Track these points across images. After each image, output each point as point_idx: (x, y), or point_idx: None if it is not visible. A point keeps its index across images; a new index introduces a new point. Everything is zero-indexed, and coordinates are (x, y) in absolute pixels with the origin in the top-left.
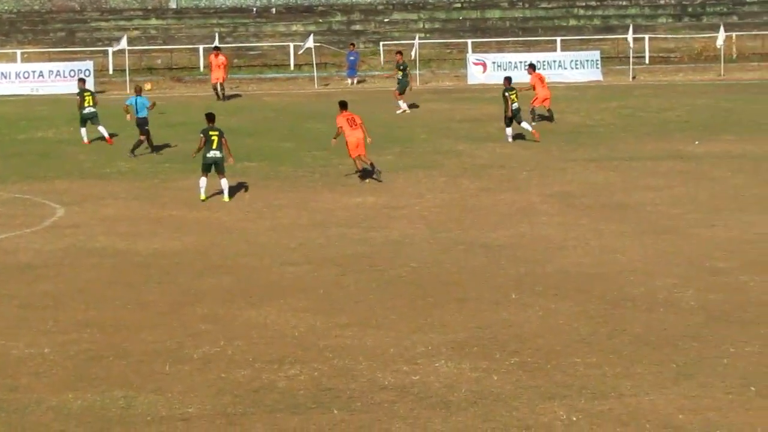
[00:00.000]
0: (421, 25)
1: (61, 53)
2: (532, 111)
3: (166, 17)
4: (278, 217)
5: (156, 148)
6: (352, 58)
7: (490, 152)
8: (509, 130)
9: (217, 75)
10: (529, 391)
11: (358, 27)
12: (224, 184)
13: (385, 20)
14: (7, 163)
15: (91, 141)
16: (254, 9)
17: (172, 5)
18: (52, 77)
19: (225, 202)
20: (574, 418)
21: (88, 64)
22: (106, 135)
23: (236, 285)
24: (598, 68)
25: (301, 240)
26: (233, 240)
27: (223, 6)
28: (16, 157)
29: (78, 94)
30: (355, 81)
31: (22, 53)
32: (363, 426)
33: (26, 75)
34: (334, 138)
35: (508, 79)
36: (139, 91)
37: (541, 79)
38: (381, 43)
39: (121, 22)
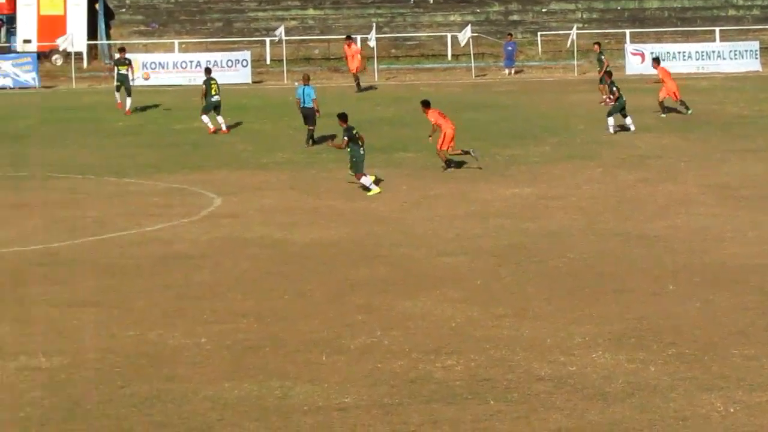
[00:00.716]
0: (579, 15)
1: (218, 43)
2: (662, 104)
3: (323, 7)
4: (434, 207)
5: (315, 140)
6: (509, 48)
7: (647, 143)
8: (611, 120)
9: (352, 65)
10: (686, 382)
11: (515, 17)
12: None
13: (543, 10)
14: (164, 153)
15: (216, 130)
16: None
17: None
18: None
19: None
20: (732, 410)
21: (246, 54)
22: (223, 127)
23: (392, 275)
24: (757, 59)
25: (458, 230)
26: (389, 230)
27: None
28: (172, 147)
29: (204, 82)
30: (513, 71)
31: (180, 43)
32: (519, 417)
33: (183, 65)
34: (430, 136)
35: (609, 74)
36: (306, 80)
37: (667, 72)
38: (539, 33)
39: (279, 12)
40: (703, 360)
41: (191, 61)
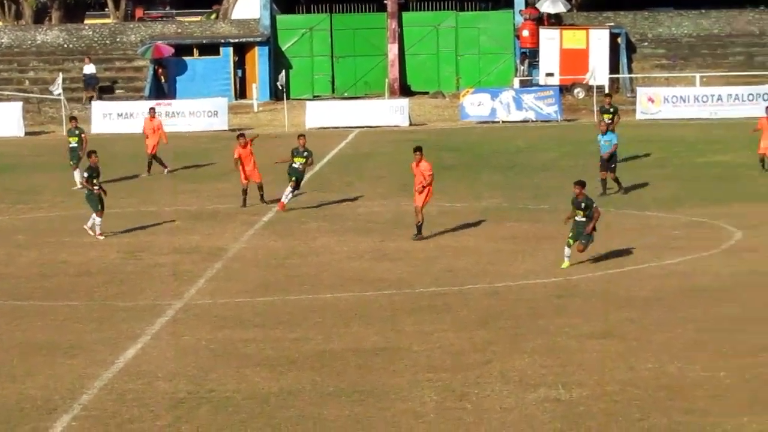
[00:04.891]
0: None
1: (739, 77)
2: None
3: None
4: None
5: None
6: None
7: None
8: None
9: None
10: None
11: None
12: None
13: None
14: (686, 186)
15: None
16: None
17: None
18: (730, 101)
19: None
20: None
21: (767, 88)
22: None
23: None
24: None
25: None
26: None
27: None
28: (694, 180)
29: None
30: None
31: (701, 77)
32: None
33: (705, 99)
34: None
35: None
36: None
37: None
38: None
39: None
40: None
41: (712, 95)
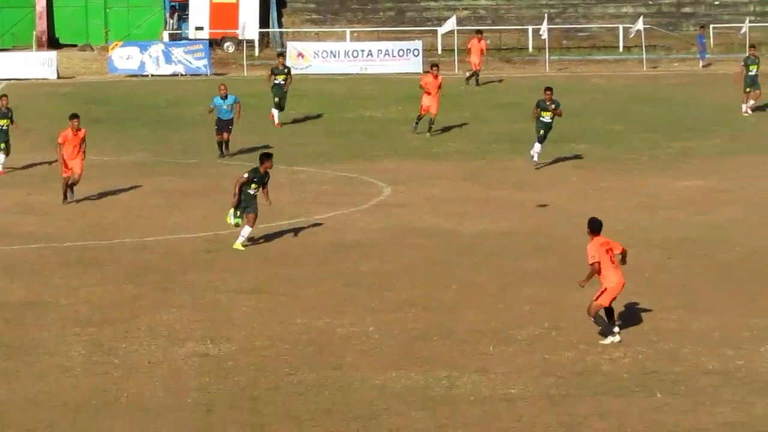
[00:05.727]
0: (752, 8)
1: (389, 32)
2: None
3: None
4: (605, 199)
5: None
6: (702, 41)
7: None
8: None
9: (476, 60)
10: None
11: (687, 9)
12: None
13: (716, 2)
14: (335, 142)
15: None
16: None
17: None
18: (381, 56)
19: None
20: None
21: (417, 44)
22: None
23: (562, 266)
24: None
25: (627, 223)
26: (559, 221)
27: None
28: (343, 136)
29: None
30: (703, 64)
31: (352, 32)
32: (686, 410)
33: (355, 54)
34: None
35: None
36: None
37: None
38: (711, 26)
39: (451, 2)
40: None
41: (362, 50)
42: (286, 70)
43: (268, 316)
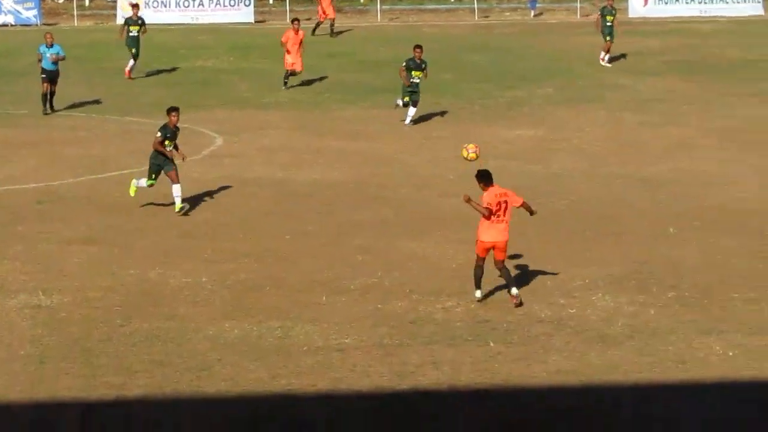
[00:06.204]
0: None
1: None
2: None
3: None
4: (437, 149)
5: (312, 80)
6: None
7: (650, 86)
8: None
9: (330, 12)
10: (686, 325)
11: None
12: None
13: None
14: (168, 92)
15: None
16: None
17: None
18: (212, 6)
19: None
20: (731, 354)
21: None
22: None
23: (394, 217)
24: (760, 2)
25: (460, 172)
26: (392, 171)
27: None
28: (176, 86)
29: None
30: (534, 13)
31: None
32: (519, 358)
33: (187, 4)
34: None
35: None
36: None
37: None
38: None
39: None
40: (703, 303)
41: (194, 0)
42: (140, 21)
43: (100, 267)
